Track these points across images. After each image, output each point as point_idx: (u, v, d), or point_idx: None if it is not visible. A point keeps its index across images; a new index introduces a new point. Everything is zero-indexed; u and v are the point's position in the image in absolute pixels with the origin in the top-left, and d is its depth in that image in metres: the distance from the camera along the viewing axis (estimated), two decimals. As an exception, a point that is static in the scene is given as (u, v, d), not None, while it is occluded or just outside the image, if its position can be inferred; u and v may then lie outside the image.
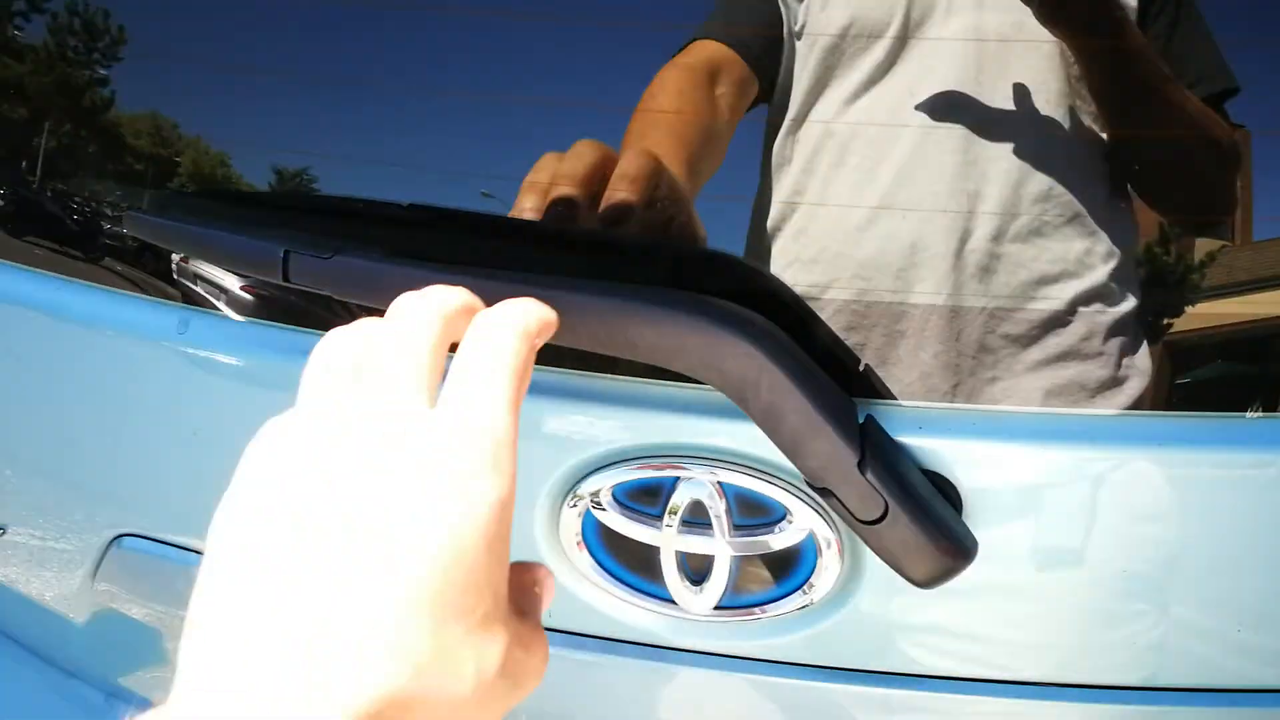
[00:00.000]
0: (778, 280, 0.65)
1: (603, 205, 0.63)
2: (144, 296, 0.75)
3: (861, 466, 0.60)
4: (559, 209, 0.62)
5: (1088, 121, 0.66)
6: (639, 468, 0.70)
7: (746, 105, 0.69)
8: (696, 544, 0.70)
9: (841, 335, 0.66)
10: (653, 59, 0.68)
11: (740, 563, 0.71)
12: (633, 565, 0.73)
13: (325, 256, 0.60)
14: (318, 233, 0.63)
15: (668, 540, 0.70)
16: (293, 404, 0.44)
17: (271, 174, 0.85)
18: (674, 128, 0.67)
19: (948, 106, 0.65)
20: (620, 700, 0.80)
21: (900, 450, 0.65)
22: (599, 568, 0.73)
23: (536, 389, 0.69)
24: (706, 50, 0.69)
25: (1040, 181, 0.65)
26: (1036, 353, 0.65)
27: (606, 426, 0.70)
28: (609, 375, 0.69)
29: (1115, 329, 0.65)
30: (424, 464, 0.39)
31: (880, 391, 0.66)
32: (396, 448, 0.40)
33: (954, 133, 0.65)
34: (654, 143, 0.66)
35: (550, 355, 0.57)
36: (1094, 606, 0.70)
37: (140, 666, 1.01)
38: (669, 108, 0.67)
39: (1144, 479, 0.66)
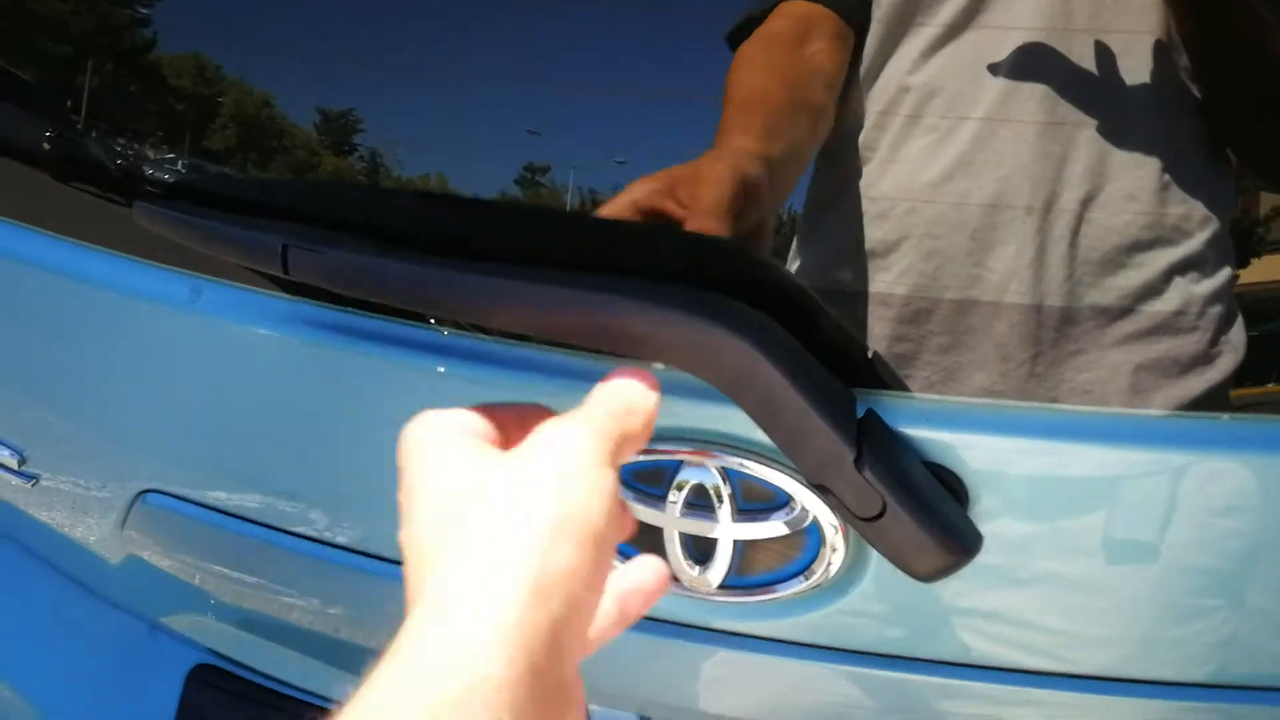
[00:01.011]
0: (779, 268, 0.63)
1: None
2: (159, 264, 0.76)
3: (858, 464, 0.58)
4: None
5: (1184, 76, 0.61)
6: (645, 449, 0.69)
7: (846, 58, 0.64)
8: (700, 526, 0.70)
9: (907, 298, 0.63)
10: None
11: (745, 545, 0.70)
12: (639, 542, 0.73)
13: (320, 251, 0.60)
14: (319, 223, 0.63)
15: (671, 521, 0.70)
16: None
17: (316, 114, 0.85)
18: (768, 113, 0.63)
19: (1032, 62, 0.60)
20: (625, 671, 0.81)
21: (902, 444, 0.63)
22: (604, 543, 0.73)
23: (548, 368, 0.69)
24: (793, 10, 0.64)
25: (1134, 142, 0.60)
26: (1128, 325, 0.61)
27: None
28: (609, 358, 0.68)
29: (1210, 300, 0.61)
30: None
31: (888, 382, 0.65)
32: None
33: (1038, 91, 0.60)
34: (740, 141, 0.62)
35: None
36: (1114, 599, 0.68)
37: (177, 609, 1.05)
38: (756, 90, 0.63)
39: (1161, 479, 0.64)
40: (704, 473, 0.68)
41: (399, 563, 0.83)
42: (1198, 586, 0.67)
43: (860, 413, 0.63)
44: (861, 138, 0.63)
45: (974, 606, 0.70)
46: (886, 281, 0.63)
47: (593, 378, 0.68)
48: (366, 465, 0.78)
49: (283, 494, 0.83)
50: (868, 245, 0.63)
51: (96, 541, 0.98)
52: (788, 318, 0.61)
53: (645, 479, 0.70)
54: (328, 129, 0.86)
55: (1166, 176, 0.60)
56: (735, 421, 0.66)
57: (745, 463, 0.67)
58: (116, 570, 1.00)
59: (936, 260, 0.62)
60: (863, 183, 0.64)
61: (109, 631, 1.10)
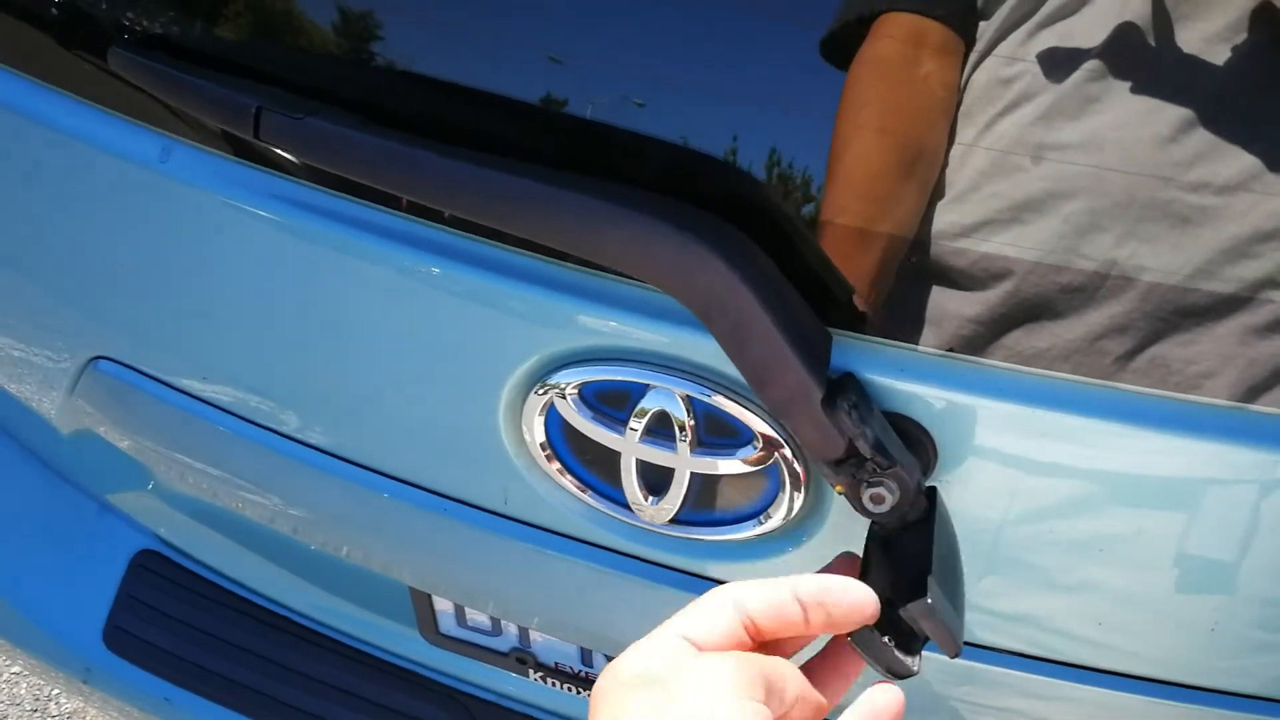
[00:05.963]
0: (770, 194, 0.61)
1: None
2: (131, 119, 0.72)
3: (825, 404, 0.56)
4: None
5: None
6: (611, 369, 0.67)
7: (959, 75, 0.59)
8: (658, 455, 0.68)
9: (990, 280, 0.59)
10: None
11: (701, 481, 0.69)
12: (594, 465, 0.71)
13: (297, 117, 0.57)
14: (302, 91, 0.61)
15: (629, 446, 0.68)
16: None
17: (335, 13, 0.81)
18: (879, 193, 0.60)
19: (1130, 43, 0.56)
20: (562, 595, 0.80)
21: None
22: (560, 462, 0.71)
23: (520, 273, 0.67)
24: (898, 28, 0.59)
25: (1248, 124, 0.56)
26: (1244, 318, 0.58)
27: (585, 322, 0.67)
28: (594, 271, 0.66)
29: None
30: None
31: (867, 326, 0.62)
32: None
33: (1138, 73, 0.56)
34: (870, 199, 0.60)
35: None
36: (1053, 574, 0.67)
37: (126, 487, 1.03)
38: (872, 165, 0.60)
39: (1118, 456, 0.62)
40: (669, 400, 0.66)
41: (365, 467, 0.81)
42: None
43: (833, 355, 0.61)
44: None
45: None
46: (958, 249, 0.60)
47: (588, 295, 0.65)
48: (332, 358, 0.76)
49: (241, 379, 0.80)
50: (941, 225, 0.59)
51: (48, 410, 0.96)
52: (772, 246, 0.59)
53: (608, 401, 0.68)
54: (345, 31, 0.82)
55: None
56: (708, 351, 0.64)
57: (712, 395, 0.65)
58: (68, 442, 0.98)
59: (1019, 243, 0.59)
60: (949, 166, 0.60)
61: (59, 506, 1.09)
